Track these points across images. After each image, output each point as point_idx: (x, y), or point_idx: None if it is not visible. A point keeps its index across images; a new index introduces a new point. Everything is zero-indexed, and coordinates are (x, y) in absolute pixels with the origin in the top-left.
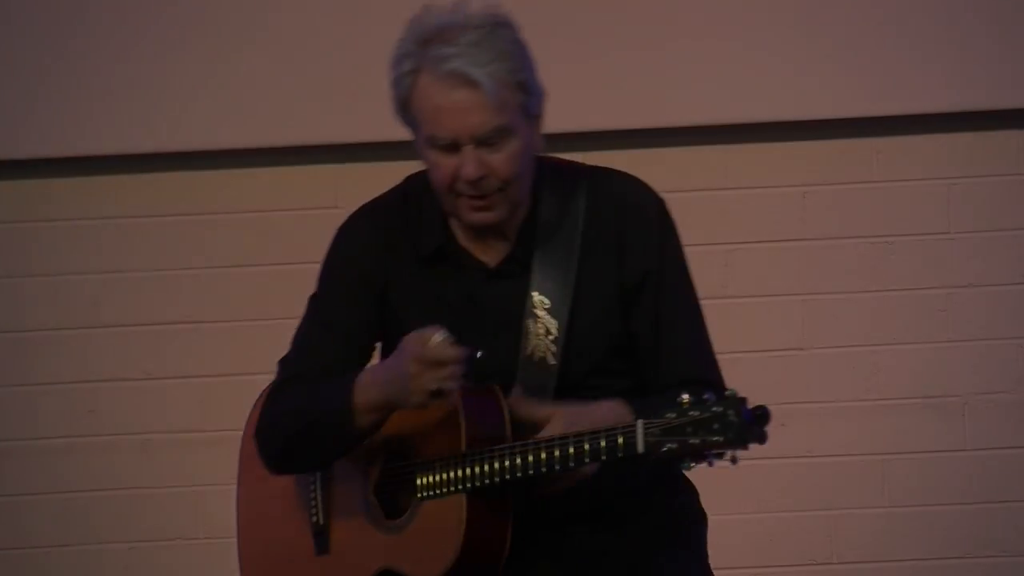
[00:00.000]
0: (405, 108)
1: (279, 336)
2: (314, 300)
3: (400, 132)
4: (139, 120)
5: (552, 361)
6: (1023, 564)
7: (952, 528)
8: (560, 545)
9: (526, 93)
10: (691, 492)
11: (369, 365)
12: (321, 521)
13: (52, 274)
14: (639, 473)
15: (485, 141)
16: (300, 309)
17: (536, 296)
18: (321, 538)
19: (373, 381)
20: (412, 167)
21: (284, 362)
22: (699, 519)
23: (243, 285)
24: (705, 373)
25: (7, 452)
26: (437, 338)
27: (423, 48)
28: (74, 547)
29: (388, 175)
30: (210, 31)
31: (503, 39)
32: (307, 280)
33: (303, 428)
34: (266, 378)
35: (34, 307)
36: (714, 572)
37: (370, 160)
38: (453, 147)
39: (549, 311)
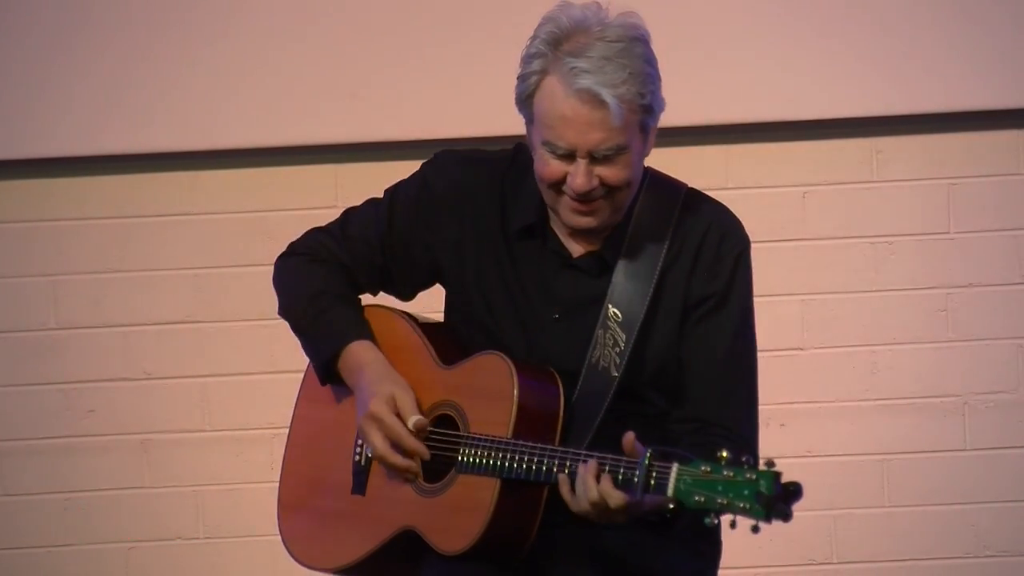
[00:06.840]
0: (526, 103)
1: (279, 336)
2: (386, 198)
3: (400, 132)
4: (139, 120)
5: (615, 373)
6: (1023, 564)
7: (952, 528)
8: (583, 542)
9: (648, 113)
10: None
11: (369, 352)
12: (363, 463)
13: (52, 274)
14: None
15: (600, 157)
16: None
17: (611, 309)
18: (360, 478)
19: (355, 369)
20: (411, 167)
21: (326, 230)
22: (715, 547)
23: (243, 285)
24: (740, 427)
25: (7, 452)
26: (415, 420)
27: (555, 51)
28: (74, 547)
29: (388, 175)
30: (210, 32)
31: (636, 57)
32: None
33: (298, 313)
34: (266, 378)
35: (34, 307)
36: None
37: (370, 160)
38: (567, 156)
39: (620, 324)
